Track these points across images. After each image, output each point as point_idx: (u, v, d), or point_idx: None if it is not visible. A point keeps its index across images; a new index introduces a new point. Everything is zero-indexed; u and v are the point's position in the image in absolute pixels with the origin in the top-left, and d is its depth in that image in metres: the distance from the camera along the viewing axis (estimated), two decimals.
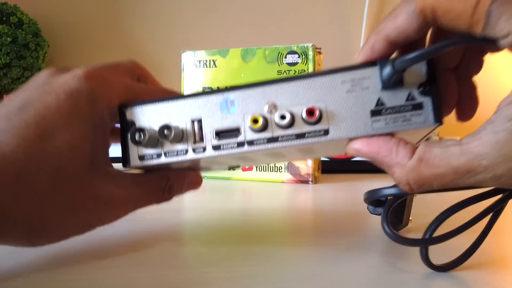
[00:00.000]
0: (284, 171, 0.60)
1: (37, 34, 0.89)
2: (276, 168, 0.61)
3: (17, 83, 0.88)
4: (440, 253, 0.23)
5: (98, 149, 0.24)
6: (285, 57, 0.57)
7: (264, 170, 0.61)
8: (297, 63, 0.57)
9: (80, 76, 0.24)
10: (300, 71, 0.57)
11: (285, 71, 0.57)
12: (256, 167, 0.61)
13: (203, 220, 0.36)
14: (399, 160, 0.20)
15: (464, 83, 0.24)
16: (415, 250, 0.23)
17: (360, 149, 0.21)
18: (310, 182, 0.59)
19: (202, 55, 0.61)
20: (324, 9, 1.00)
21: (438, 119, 0.21)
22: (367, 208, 0.31)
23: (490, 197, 0.21)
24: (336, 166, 0.71)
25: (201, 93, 0.24)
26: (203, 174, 0.32)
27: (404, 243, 0.22)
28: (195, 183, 0.29)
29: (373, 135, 0.21)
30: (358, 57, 0.22)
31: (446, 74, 0.24)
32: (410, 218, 0.33)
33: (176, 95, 0.25)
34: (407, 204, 0.31)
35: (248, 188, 0.55)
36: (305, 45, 0.57)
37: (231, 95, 0.23)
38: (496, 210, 0.23)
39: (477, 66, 0.24)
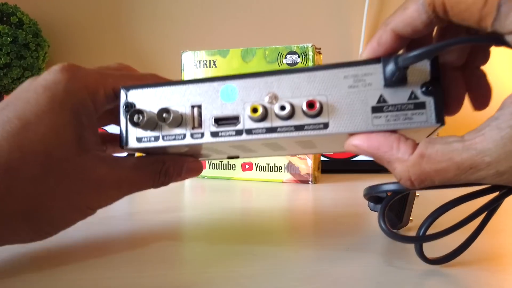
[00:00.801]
0: (284, 171, 0.60)
1: (38, 34, 0.89)
2: (276, 168, 0.61)
3: (17, 83, 0.88)
4: (436, 248, 0.23)
5: (84, 134, 0.24)
6: (285, 57, 0.57)
7: (264, 170, 0.61)
8: (297, 63, 0.57)
9: (56, 70, 0.24)
10: None
11: None
12: (256, 167, 0.61)
13: (203, 220, 0.36)
14: (400, 155, 0.20)
15: (472, 73, 0.23)
16: (414, 249, 0.23)
17: (359, 145, 0.21)
18: (310, 182, 0.59)
19: (202, 55, 0.61)
20: (324, 9, 1.00)
21: (440, 120, 0.20)
22: (368, 204, 0.32)
23: (484, 195, 0.21)
24: (336, 166, 0.71)
25: (203, 79, 0.24)
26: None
27: (399, 240, 0.22)
28: (195, 169, 0.29)
29: (372, 132, 0.21)
30: (364, 51, 0.22)
31: (453, 73, 0.23)
32: (411, 218, 0.33)
33: (177, 81, 0.25)
34: (408, 203, 0.31)
35: (248, 188, 0.55)
36: (305, 45, 0.57)
37: (233, 83, 0.23)
38: (491, 209, 0.23)
39: (484, 58, 0.23)
